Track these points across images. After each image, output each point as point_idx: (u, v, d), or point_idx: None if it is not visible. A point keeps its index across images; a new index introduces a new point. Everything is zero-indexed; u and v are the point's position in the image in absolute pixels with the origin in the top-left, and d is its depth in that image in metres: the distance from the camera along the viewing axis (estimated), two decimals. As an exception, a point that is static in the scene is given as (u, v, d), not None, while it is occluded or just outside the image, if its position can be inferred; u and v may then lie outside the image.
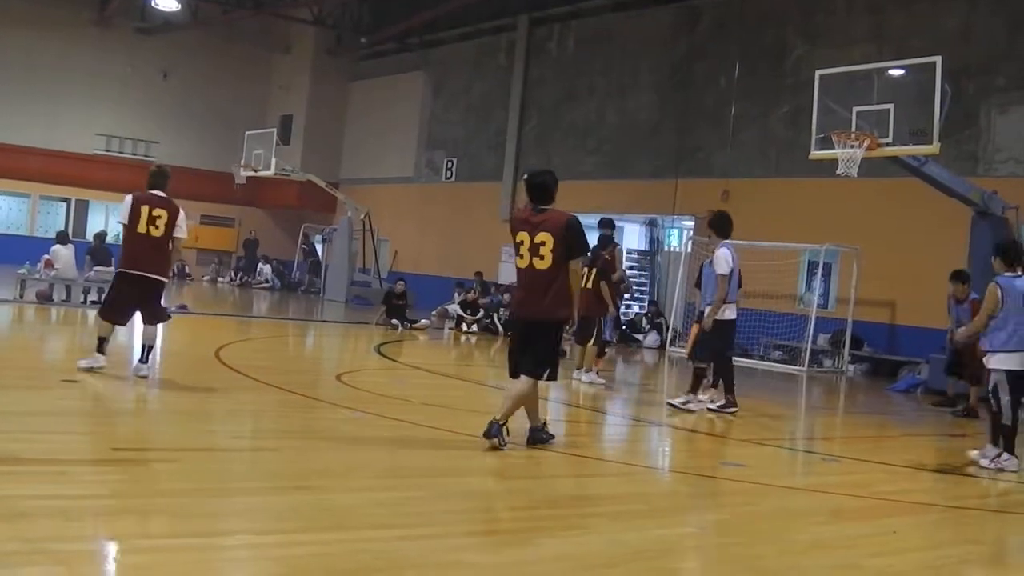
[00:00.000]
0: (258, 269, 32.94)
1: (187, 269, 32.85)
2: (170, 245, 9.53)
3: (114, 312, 9.59)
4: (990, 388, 8.84)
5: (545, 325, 7.49)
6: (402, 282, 21.05)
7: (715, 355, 11.00)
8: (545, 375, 7.50)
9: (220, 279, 32.79)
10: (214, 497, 5.47)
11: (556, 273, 7.35)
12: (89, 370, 9.21)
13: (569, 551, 5.06)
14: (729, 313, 10.79)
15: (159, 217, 9.39)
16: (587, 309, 11.98)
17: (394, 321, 19.87)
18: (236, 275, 32.97)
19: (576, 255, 7.45)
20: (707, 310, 10.82)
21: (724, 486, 7.10)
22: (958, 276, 13.37)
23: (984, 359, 9.00)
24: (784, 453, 9.45)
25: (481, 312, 21.38)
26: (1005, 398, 8.64)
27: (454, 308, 22.37)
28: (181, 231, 9.54)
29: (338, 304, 27.04)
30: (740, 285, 11.35)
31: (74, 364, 9.35)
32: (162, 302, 10.04)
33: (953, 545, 6.12)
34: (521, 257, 7.46)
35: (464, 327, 21.18)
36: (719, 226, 11.01)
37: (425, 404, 9.89)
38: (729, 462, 7.83)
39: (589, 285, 12.48)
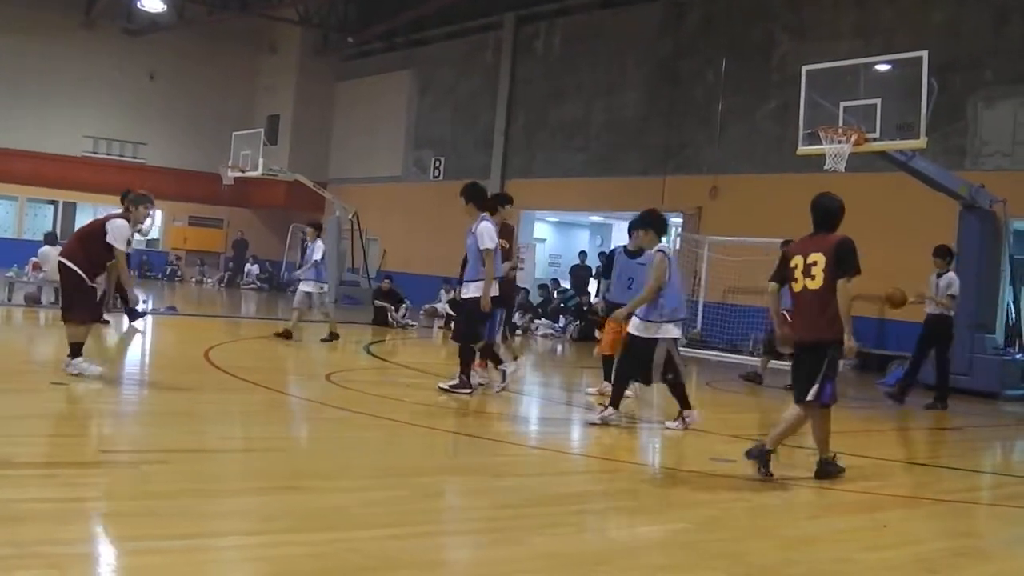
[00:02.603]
0: (246, 270, 32.86)
1: (179, 271, 32.81)
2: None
3: None
4: (660, 360, 8.88)
5: (816, 346, 7.17)
6: (388, 280, 21.14)
7: (464, 335, 10.54)
8: (809, 397, 7.13)
9: (208, 279, 32.69)
10: (204, 498, 5.46)
11: (828, 294, 7.02)
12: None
13: (560, 549, 5.06)
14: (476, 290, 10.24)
15: None
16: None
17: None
18: (224, 276, 32.88)
19: (845, 273, 6.99)
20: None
21: (714, 482, 7.11)
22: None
23: (629, 327, 9.06)
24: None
25: (470, 311, 21.35)
26: (679, 361, 9.05)
27: (442, 307, 22.36)
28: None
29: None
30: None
31: (62, 367, 9.28)
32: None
33: (945, 538, 6.14)
34: (796, 281, 7.15)
35: (452, 326, 21.13)
36: (473, 196, 10.40)
37: (415, 403, 9.88)
38: (718, 458, 7.83)
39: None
